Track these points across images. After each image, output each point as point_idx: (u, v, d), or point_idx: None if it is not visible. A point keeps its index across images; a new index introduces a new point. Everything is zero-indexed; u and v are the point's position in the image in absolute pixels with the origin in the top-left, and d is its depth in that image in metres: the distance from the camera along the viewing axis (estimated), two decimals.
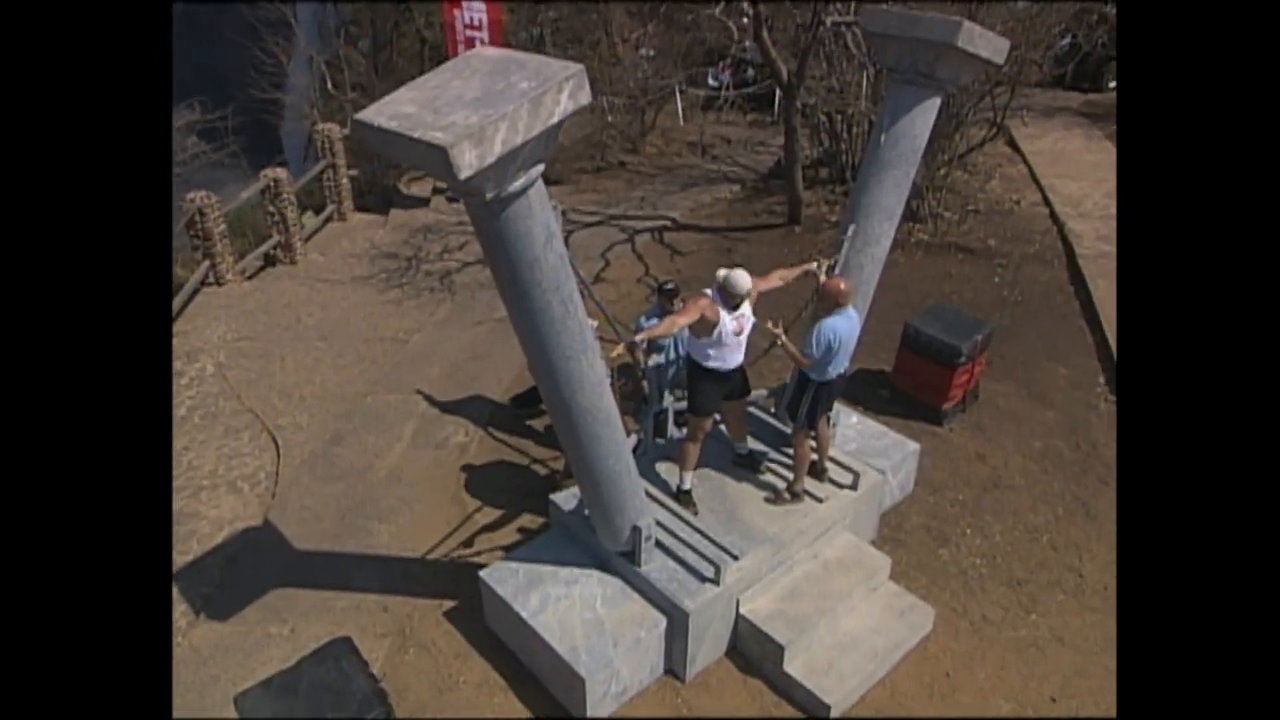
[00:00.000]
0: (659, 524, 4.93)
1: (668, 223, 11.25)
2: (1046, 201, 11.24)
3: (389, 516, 6.14)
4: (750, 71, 16.81)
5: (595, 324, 5.93)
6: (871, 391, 7.41)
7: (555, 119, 3.04)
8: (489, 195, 3.13)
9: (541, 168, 3.27)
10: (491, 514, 6.13)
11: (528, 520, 6.06)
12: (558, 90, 2.98)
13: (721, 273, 4.78)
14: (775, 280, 5.24)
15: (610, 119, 15.04)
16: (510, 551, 5.31)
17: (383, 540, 5.93)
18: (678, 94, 15.88)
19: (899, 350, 7.14)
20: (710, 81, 18.69)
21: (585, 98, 3.11)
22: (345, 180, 11.84)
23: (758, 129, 15.36)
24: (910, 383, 7.05)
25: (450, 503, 6.29)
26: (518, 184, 3.18)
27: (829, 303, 4.92)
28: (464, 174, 2.84)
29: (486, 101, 2.92)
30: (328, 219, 11.83)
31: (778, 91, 11.42)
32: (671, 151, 14.24)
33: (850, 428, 6.19)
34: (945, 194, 10.99)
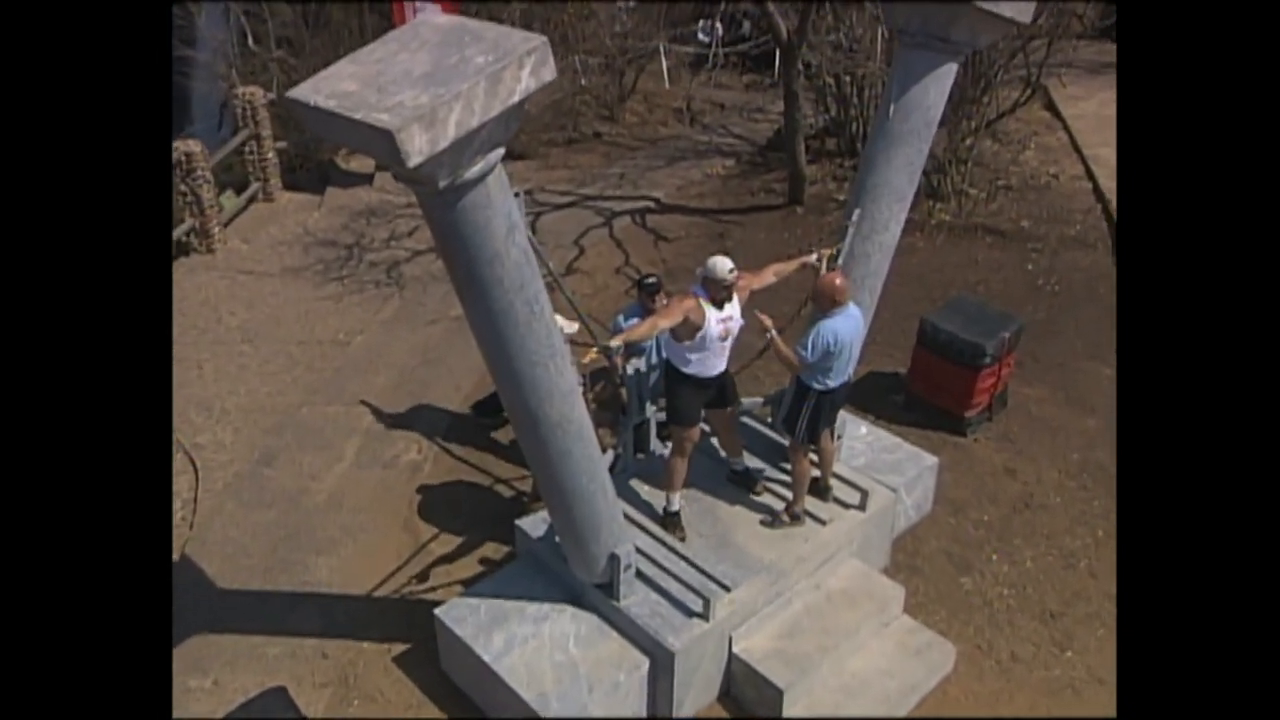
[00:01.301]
0: (640, 551, 5.08)
1: (650, 204, 11.43)
2: (1090, 175, 11.49)
3: (329, 548, 6.25)
4: (746, 25, 17.05)
5: (574, 326, 6.11)
6: (884, 397, 7.61)
7: (516, 97, 3.19)
8: (442, 183, 3.27)
9: (501, 152, 3.41)
10: (449, 543, 6.26)
11: (491, 550, 6.20)
12: (518, 65, 3.13)
13: (700, 269, 4.96)
14: (769, 276, 5.41)
15: (584, 82, 15.19)
16: (470, 586, 5.44)
17: (322, 575, 6.04)
18: (662, 53, 16.07)
19: (914, 350, 7.35)
20: (700, 37, 18.89)
21: (549, 74, 3.25)
22: (271, 154, 11.91)
23: (755, 92, 15.58)
24: (928, 387, 7.25)
25: (401, 530, 6.42)
26: (474, 170, 3.32)
27: (825, 302, 5.09)
28: (414, 160, 2.98)
29: (438, 78, 3.06)
30: (251, 199, 11.89)
31: (777, 50, 11.61)
32: (655, 120, 14.43)
33: (858, 439, 6.38)
34: (971, 167, 11.23)
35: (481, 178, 3.38)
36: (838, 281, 5.11)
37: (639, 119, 14.48)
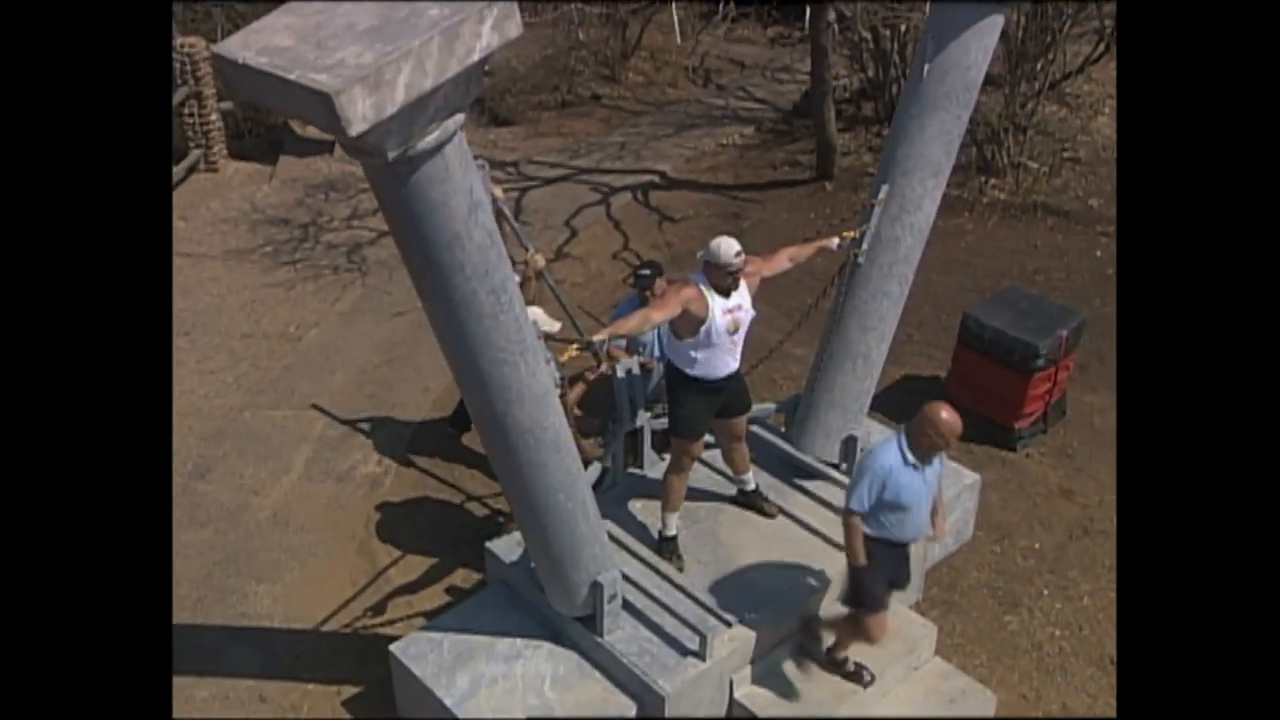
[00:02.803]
0: (628, 580, 5.15)
1: (655, 178, 11.51)
2: None
3: (271, 574, 6.34)
4: None
5: (557, 325, 6.20)
6: (921, 404, 7.62)
7: (476, 56, 3.25)
8: (392, 154, 3.34)
9: (461, 118, 3.48)
10: (411, 569, 6.35)
11: (461, 577, 6.28)
12: (478, 19, 3.20)
13: (702, 253, 5.02)
14: (783, 261, 5.48)
15: (581, 36, 15.29)
16: (433, 619, 5.52)
17: (263, 606, 6.12)
18: (673, 1, 16.14)
19: (956, 349, 7.40)
20: None
21: (515, 29, 3.32)
22: (215, 116, 12.02)
23: (782, 48, 15.66)
24: (971, 394, 7.28)
25: (356, 554, 6.51)
26: (430, 139, 3.39)
27: (924, 438, 4.68)
28: (356, 128, 3.05)
29: (385, 33, 3.14)
30: (191, 169, 12.00)
31: None
32: (663, 80, 14.50)
33: None
34: (1032, 136, 11.26)
35: (438, 148, 3.45)
36: (944, 415, 4.69)
37: (644, 79, 14.55)
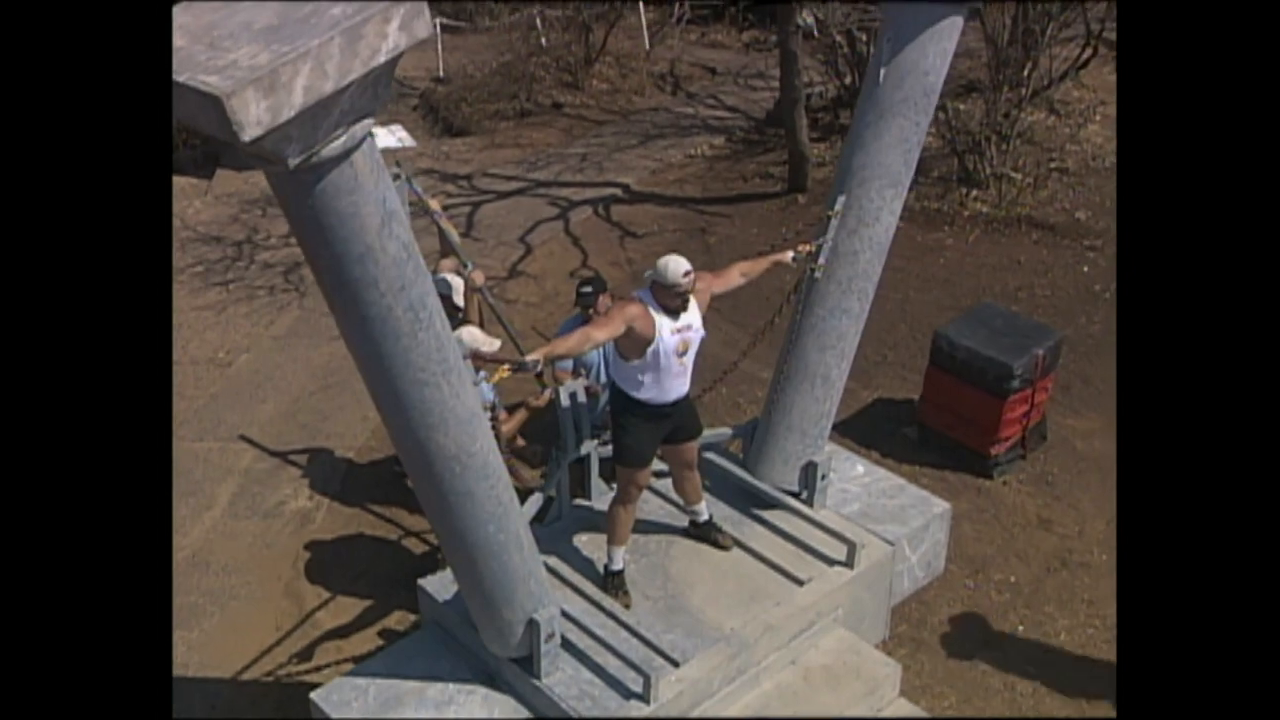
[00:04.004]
0: (569, 618, 5.16)
1: (618, 191, 11.63)
2: None
3: (188, 619, 6.33)
4: None
5: (496, 344, 6.24)
6: (893, 429, 7.75)
7: (381, 58, 3.30)
8: (293, 162, 3.37)
9: (370, 123, 3.53)
10: (342, 611, 6.36)
11: (396, 619, 6.29)
12: (382, 19, 3.25)
13: (649, 272, 5.07)
14: (735, 277, 5.54)
15: (543, 41, 15.45)
16: (361, 663, 5.52)
17: (177, 654, 6.10)
18: (640, 4, 16.34)
19: (928, 370, 7.49)
20: None
21: (423, 29, 3.37)
22: None
23: (757, 54, 15.86)
24: (945, 418, 7.39)
25: (283, 596, 6.51)
26: (335, 146, 3.43)
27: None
28: (250, 133, 3.09)
29: (283, 33, 3.18)
30: None
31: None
32: (628, 88, 14.69)
33: (853, 481, 6.47)
34: (1018, 146, 11.44)
35: (345, 155, 3.48)
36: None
37: (609, 86, 14.74)
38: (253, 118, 3.09)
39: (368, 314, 3.89)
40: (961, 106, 11.90)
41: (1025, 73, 11.74)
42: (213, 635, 6.22)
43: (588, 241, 10.64)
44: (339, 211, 3.62)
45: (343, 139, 3.45)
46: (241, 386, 8.44)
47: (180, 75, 3.08)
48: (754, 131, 13.02)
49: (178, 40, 3.23)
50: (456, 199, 11.53)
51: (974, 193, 10.95)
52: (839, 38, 11.87)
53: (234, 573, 6.65)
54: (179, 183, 12.30)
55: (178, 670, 6.01)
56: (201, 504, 7.19)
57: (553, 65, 14.90)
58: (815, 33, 13.39)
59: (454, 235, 6.53)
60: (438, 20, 15.91)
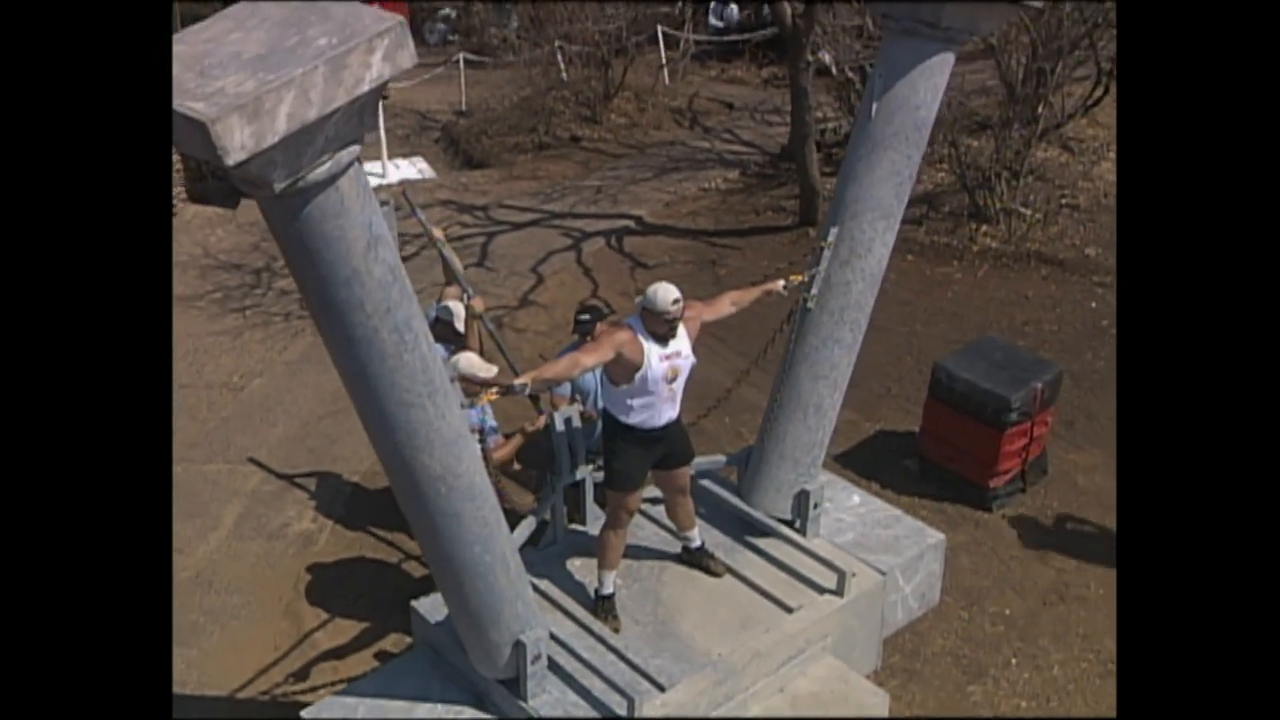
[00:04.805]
0: (558, 641, 5.21)
1: (631, 223, 11.76)
2: None
3: (189, 637, 6.40)
4: (768, 8, 17.58)
5: (493, 370, 6.33)
6: (894, 461, 7.77)
7: (365, 86, 3.42)
8: (279, 186, 3.49)
9: (356, 150, 3.65)
10: (340, 633, 6.42)
11: (393, 641, 6.34)
12: (366, 50, 3.37)
13: (639, 299, 5.16)
14: (725, 306, 5.61)
15: (565, 76, 15.67)
16: (352, 683, 5.58)
17: (176, 671, 6.15)
18: (660, 40, 16.57)
19: (927, 402, 7.52)
20: (712, 21, 19.47)
21: (407, 60, 3.49)
22: (174, 158, 12.33)
23: (775, 89, 16.02)
24: (944, 450, 7.41)
25: (282, 616, 6.58)
26: (320, 172, 3.54)
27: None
28: (234, 157, 3.20)
29: (270, 62, 3.31)
30: None
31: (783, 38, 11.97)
32: (646, 122, 14.86)
33: (848, 511, 6.50)
34: (1030, 182, 11.49)
35: (330, 181, 3.59)
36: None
37: (627, 120, 14.91)
38: (236, 143, 3.20)
39: (354, 335, 3.99)
40: (975, 143, 11.97)
41: (1037, 110, 11.80)
42: (212, 653, 6.29)
43: (599, 272, 10.75)
44: (325, 235, 3.73)
45: (328, 165, 3.56)
46: (252, 410, 8.57)
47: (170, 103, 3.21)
48: (768, 166, 13.14)
49: (171, 68, 3.36)
50: (472, 229, 11.69)
51: (984, 228, 11.00)
52: (851, 74, 11.99)
53: (236, 592, 6.74)
54: (205, 212, 12.54)
55: (177, 687, 6.07)
56: (207, 524, 7.29)
57: (572, 99, 15.11)
58: (833, 70, 13.56)
59: (457, 263, 6.64)
60: (461, 55, 16.20)
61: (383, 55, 3.44)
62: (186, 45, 3.49)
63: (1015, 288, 10.19)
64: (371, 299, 3.91)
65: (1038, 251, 10.67)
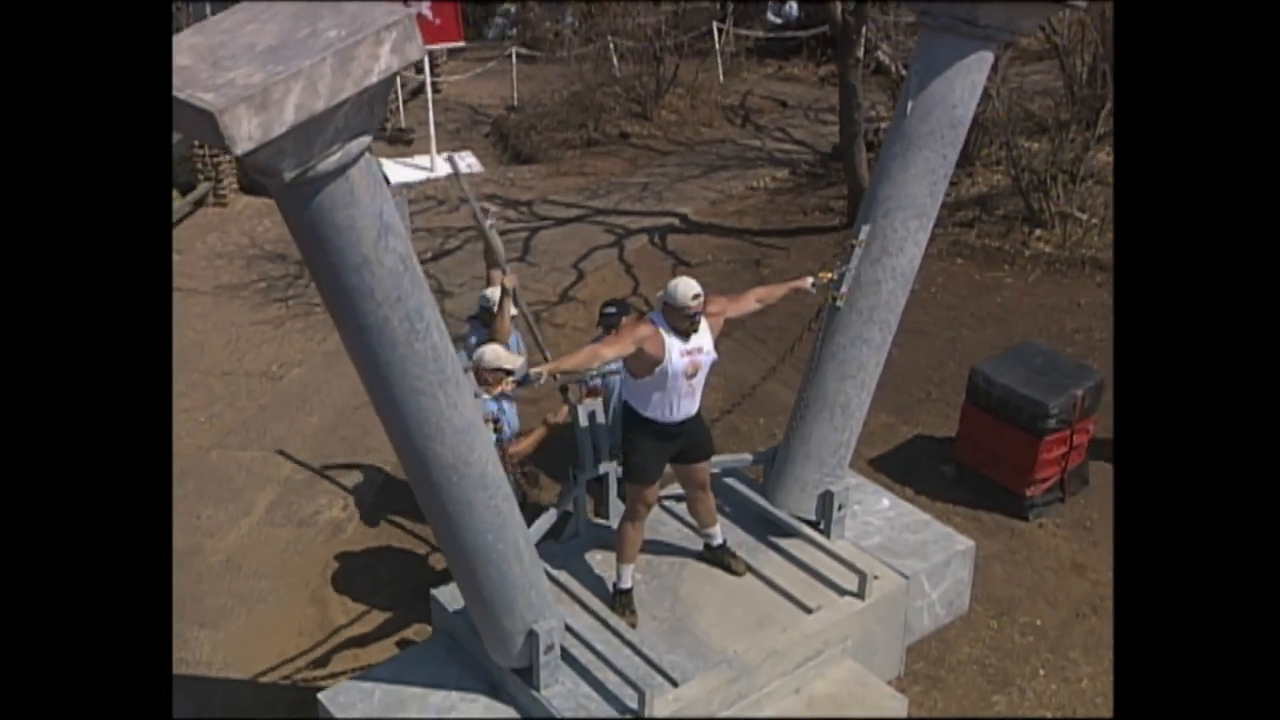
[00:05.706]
0: (574, 633, 5.30)
1: (675, 221, 11.81)
2: None
3: (217, 619, 6.59)
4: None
5: (518, 361, 6.40)
6: (930, 466, 7.73)
7: (373, 78, 3.53)
8: (289, 175, 3.62)
9: (366, 141, 3.76)
10: (364, 620, 6.55)
11: (415, 630, 6.46)
12: (374, 41, 3.48)
13: (661, 293, 5.23)
14: (750, 302, 5.66)
15: (617, 73, 15.77)
16: (370, 668, 5.71)
17: (203, 653, 6.36)
18: (716, 36, 16.60)
19: (964, 407, 7.48)
20: (770, 17, 19.45)
21: (415, 52, 3.60)
22: None
23: (831, 87, 15.92)
24: (981, 456, 7.36)
25: (309, 602, 6.74)
26: (331, 162, 3.66)
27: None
28: (242, 147, 3.33)
29: (280, 54, 3.43)
30: (199, 203, 12.61)
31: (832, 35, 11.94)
32: (697, 119, 14.89)
33: (876, 514, 6.51)
34: (1084, 185, 11.33)
35: (340, 171, 3.72)
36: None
37: (678, 117, 14.96)
38: (244, 133, 3.33)
39: (365, 323, 4.11)
40: (1032, 145, 11.84)
41: (1098, 112, 11.64)
42: (237, 637, 6.47)
43: (640, 270, 10.82)
44: (335, 224, 3.85)
45: (338, 155, 3.68)
46: (290, 399, 8.77)
47: (181, 92, 3.34)
48: (819, 165, 13.11)
49: (185, 59, 3.49)
50: (516, 224, 11.82)
51: (1038, 232, 10.87)
52: (906, 72, 11.90)
53: (264, 578, 6.91)
54: (253, 203, 12.82)
55: (202, 669, 6.27)
56: (240, 510, 7.49)
57: (623, 96, 15.19)
58: (892, 69, 13.49)
59: (497, 240, 6.44)
60: (514, 49, 16.37)
61: (391, 47, 3.55)
62: (204, 36, 3.64)
63: (1068, 294, 10.06)
64: (382, 287, 4.03)
65: (1093, 258, 10.50)
